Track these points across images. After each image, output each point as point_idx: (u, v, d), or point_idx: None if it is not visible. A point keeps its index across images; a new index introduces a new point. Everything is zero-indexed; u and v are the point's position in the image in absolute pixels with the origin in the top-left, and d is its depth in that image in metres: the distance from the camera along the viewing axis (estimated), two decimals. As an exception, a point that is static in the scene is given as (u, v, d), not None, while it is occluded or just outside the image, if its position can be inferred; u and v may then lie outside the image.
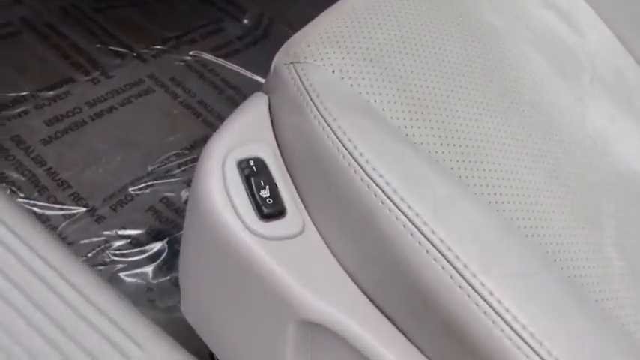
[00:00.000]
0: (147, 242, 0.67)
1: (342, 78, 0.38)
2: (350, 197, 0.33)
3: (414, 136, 0.36)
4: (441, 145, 0.36)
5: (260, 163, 0.37)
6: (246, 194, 0.36)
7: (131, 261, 0.65)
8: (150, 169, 0.75)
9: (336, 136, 0.34)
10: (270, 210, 0.35)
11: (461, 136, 0.38)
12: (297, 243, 0.36)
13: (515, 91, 0.45)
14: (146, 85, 0.86)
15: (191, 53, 0.93)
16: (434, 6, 0.47)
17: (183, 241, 0.41)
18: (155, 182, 0.73)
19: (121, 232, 0.67)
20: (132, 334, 0.46)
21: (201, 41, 0.96)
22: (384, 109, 0.38)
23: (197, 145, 0.80)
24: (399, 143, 0.34)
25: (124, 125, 0.79)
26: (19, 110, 0.75)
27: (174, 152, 0.77)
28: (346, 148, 0.33)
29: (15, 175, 0.69)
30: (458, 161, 0.36)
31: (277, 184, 0.37)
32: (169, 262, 0.64)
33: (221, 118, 0.86)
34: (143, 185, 0.73)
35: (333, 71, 0.38)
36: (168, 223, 0.69)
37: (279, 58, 0.42)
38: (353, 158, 0.33)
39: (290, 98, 0.38)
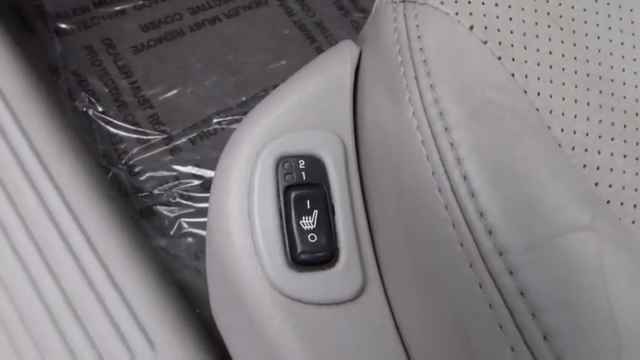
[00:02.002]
0: (219, 188, 0.57)
1: (486, 42, 0.21)
2: (446, 280, 0.18)
3: (599, 185, 0.19)
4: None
5: (316, 167, 0.23)
6: (278, 218, 0.22)
7: (198, 207, 0.55)
8: (243, 99, 0.64)
9: (443, 162, 0.18)
10: (311, 254, 0.21)
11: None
12: (349, 313, 0.22)
13: None
14: (260, -6, 0.72)
15: (320, -39, 0.77)
16: None
17: (206, 248, 0.29)
18: (244, 117, 0.62)
19: (194, 171, 0.58)
20: (147, 331, 0.36)
21: (337, -54, 0.79)
22: (551, 112, 0.20)
23: (302, 78, 0.66)
24: (573, 204, 0.17)
25: (224, 42, 0.67)
26: (116, 9, 0.67)
27: (273, 83, 0.65)
28: (456, 194, 0.17)
29: (97, 84, 0.62)
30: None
31: (335, 206, 0.22)
32: (238, 219, 0.54)
33: (338, 48, 0.71)
34: (230, 118, 0.62)
35: (472, 27, 0.21)
36: (247, 170, 0.59)
37: (389, -11, 0.26)
38: (464, 218, 0.17)
39: (386, 65, 0.22)
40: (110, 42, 0.65)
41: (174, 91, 0.62)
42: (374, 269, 0.22)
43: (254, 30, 0.69)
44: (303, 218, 0.22)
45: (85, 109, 0.59)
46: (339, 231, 0.22)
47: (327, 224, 0.22)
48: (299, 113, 0.24)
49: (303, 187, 0.22)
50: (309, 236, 0.21)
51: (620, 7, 0.23)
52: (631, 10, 0.23)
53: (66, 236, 0.39)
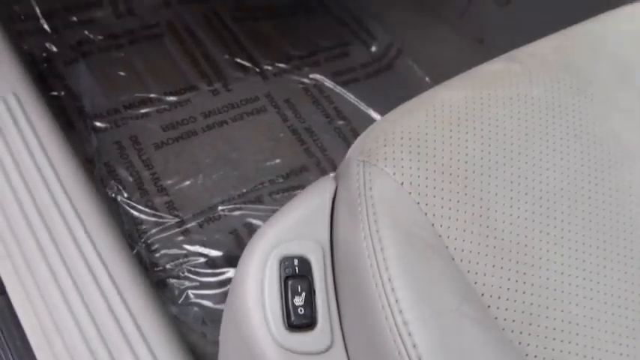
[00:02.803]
0: (221, 266, 0.69)
1: (410, 193, 0.35)
2: (377, 338, 0.30)
3: (477, 283, 0.32)
4: (511, 303, 0.31)
5: (305, 264, 0.36)
6: (280, 297, 0.34)
7: (202, 281, 0.67)
8: (243, 190, 0.77)
9: (378, 268, 0.31)
10: (299, 321, 0.34)
11: (536, 292, 0.33)
12: (321, 361, 0.33)
13: (630, 232, 0.38)
14: (261, 103, 0.88)
15: (311, 76, 0.93)
16: (550, 111, 0.41)
17: (224, 314, 0.41)
18: (244, 206, 0.75)
19: (201, 250, 0.70)
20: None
21: (324, 64, 0.96)
22: (448, 237, 0.34)
23: (292, 175, 0.80)
24: (450, 295, 0.30)
25: (229, 142, 0.81)
26: (142, 111, 0.81)
27: (269, 178, 0.79)
28: (384, 288, 0.30)
29: (124, 174, 0.75)
30: (527, 334, 0.31)
31: (316, 291, 0.35)
32: (235, 292, 0.66)
33: (323, 150, 0.85)
34: (232, 207, 0.75)
35: (402, 184, 0.35)
36: (245, 250, 0.71)
37: (355, 148, 0.40)
38: (387, 302, 0.30)
39: (350, 202, 0.36)
40: (136, 139, 0.78)
41: (188, 182, 0.75)
42: (339, 332, 0.34)
43: (255, 132, 0.84)
44: (296, 298, 0.34)
45: (113, 195, 0.72)
46: (318, 307, 0.34)
47: (310, 302, 0.34)
48: (295, 228, 0.37)
49: (296, 277, 0.35)
50: (299, 309, 0.34)
51: (504, 164, 0.37)
52: (511, 167, 0.37)
53: (109, 300, 0.50)
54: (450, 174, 0.36)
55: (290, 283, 0.34)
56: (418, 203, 0.34)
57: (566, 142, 0.39)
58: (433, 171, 0.36)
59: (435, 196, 0.35)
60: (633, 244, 0.38)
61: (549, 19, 0.80)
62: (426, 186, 0.35)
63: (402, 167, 0.35)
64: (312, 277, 0.35)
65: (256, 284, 0.34)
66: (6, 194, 0.55)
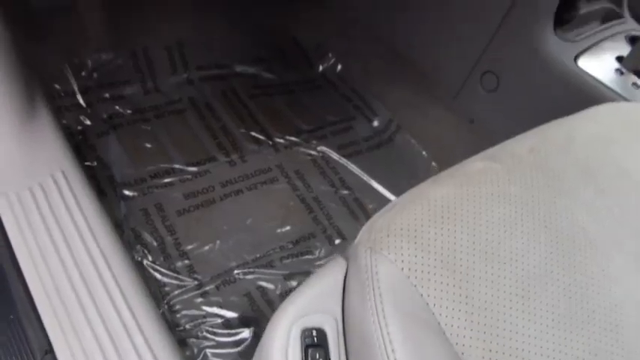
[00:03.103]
0: (236, 326, 0.75)
1: (409, 277, 0.42)
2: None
3: (464, 354, 0.39)
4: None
5: (322, 334, 0.43)
6: (301, 363, 0.41)
7: (219, 341, 0.73)
8: (256, 255, 0.84)
9: (384, 342, 0.38)
10: (317, 383, 0.40)
11: (511, 360, 0.40)
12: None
13: (592, 310, 0.46)
14: (273, 174, 0.96)
15: (319, 149, 1.02)
16: (525, 205, 0.49)
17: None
18: (257, 270, 0.82)
19: (217, 311, 0.76)
20: None
21: (331, 137, 1.05)
22: (440, 315, 0.41)
23: (301, 241, 0.87)
24: (437, 356, 0.38)
25: (245, 209, 0.89)
26: (166, 181, 0.90)
27: (280, 244, 0.86)
28: (388, 358, 0.37)
29: (149, 239, 0.82)
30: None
31: (331, 358, 0.42)
32: (249, 352, 0.72)
33: (329, 218, 0.93)
34: (246, 270, 0.82)
35: (402, 269, 0.43)
36: (258, 312, 0.77)
37: (363, 235, 0.48)
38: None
39: (359, 283, 0.43)
40: (160, 206, 0.86)
41: (207, 247, 0.83)
42: (351, 394, 0.41)
43: (267, 201, 0.92)
44: (314, 364, 0.41)
45: (140, 259, 0.79)
46: (332, 372, 0.41)
47: (326, 368, 0.41)
48: (313, 303, 0.44)
49: (315, 346, 0.42)
50: (316, 374, 0.41)
51: (486, 252, 0.45)
52: (492, 254, 0.45)
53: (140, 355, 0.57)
54: (442, 260, 0.44)
55: (310, 351, 0.41)
56: (415, 286, 0.42)
57: (538, 232, 0.47)
58: (428, 258, 0.43)
59: (429, 280, 0.42)
60: (594, 320, 0.45)
61: (531, 105, 0.90)
62: (422, 271, 0.43)
63: (402, 255, 0.43)
64: (327, 347, 0.42)
65: (281, 352, 0.42)
66: (54, 260, 0.62)
